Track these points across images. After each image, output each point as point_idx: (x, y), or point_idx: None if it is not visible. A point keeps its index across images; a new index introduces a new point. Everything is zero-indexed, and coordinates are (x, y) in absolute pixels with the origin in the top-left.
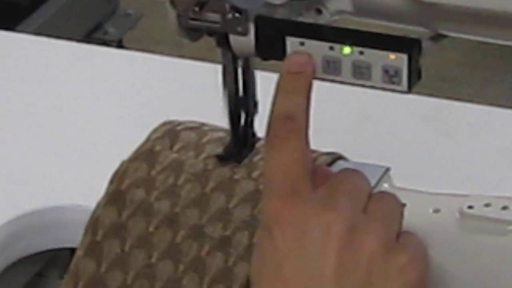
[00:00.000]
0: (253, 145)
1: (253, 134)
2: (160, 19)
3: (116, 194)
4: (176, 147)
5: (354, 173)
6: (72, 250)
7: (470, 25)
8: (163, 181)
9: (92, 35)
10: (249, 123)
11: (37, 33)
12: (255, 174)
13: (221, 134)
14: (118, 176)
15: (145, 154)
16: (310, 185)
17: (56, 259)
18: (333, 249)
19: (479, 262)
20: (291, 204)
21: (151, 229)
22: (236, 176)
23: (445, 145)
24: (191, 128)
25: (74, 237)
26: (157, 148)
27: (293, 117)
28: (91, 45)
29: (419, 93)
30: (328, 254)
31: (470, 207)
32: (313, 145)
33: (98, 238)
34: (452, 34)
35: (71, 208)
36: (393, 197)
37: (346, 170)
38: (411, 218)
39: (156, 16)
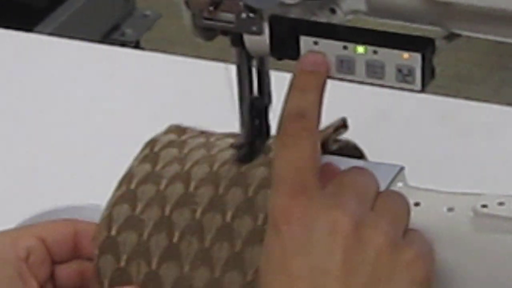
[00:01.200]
0: (267, 144)
1: (268, 133)
2: (177, 20)
3: (127, 193)
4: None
5: (362, 171)
6: None
7: (484, 25)
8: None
9: (109, 36)
10: (264, 122)
11: (55, 34)
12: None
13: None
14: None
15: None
16: (318, 183)
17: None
18: (340, 245)
19: (493, 261)
20: (299, 201)
21: (167, 213)
22: (242, 169)
23: (460, 145)
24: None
25: None
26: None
27: (305, 115)
28: (109, 46)
29: (435, 93)
30: (335, 251)
31: (484, 205)
32: None
33: (113, 233)
34: (466, 33)
35: (88, 208)
36: (400, 195)
37: (354, 168)
38: (425, 217)
39: (173, 17)
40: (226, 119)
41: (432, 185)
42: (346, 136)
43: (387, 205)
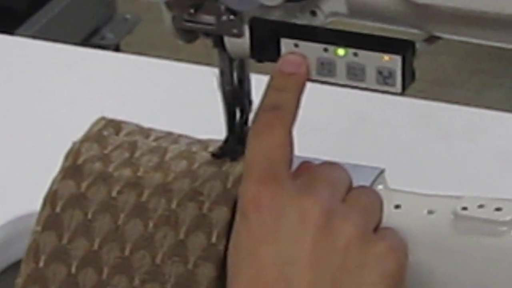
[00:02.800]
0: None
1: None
2: (158, 24)
3: (72, 169)
4: (122, 133)
5: (335, 166)
6: None
7: (464, 27)
8: (118, 156)
9: (89, 39)
10: (244, 121)
11: (35, 37)
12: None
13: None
14: (72, 154)
15: (95, 137)
16: (290, 173)
17: None
18: (309, 234)
19: (473, 263)
20: (269, 188)
21: (114, 194)
22: (193, 149)
23: (440, 148)
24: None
25: None
26: (105, 133)
27: (280, 107)
28: (89, 48)
29: (415, 97)
30: (304, 239)
31: (464, 208)
32: (308, 147)
33: (58, 210)
34: (446, 36)
35: None
36: (373, 191)
37: (326, 162)
38: (406, 220)
39: (154, 21)
40: (207, 121)
41: (412, 188)
42: (328, 137)
43: (359, 199)
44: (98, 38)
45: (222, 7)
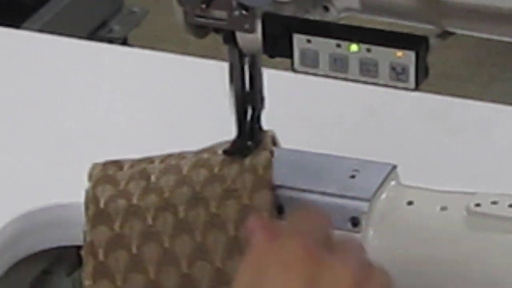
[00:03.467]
0: (259, 140)
1: (260, 129)
2: (165, 17)
3: (98, 215)
4: (125, 168)
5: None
6: (78, 248)
7: (477, 23)
8: (136, 186)
9: (97, 33)
10: (256, 118)
11: (42, 30)
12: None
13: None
14: (91, 201)
15: (103, 179)
16: None
17: (63, 257)
18: None
19: (485, 260)
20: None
21: (149, 222)
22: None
23: (452, 143)
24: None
25: (81, 235)
26: (110, 172)
27: None
28: (96, 42)
29: (424, 90)
30: None
31: (477, 204)
32: (320, 142)
33: (101, 258)
34: (459, 32)
35: (77, 205)
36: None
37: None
38: (418, 216)
39: (161, 13)
40: (215, 115)
41: (425, 184)
42: (340, 133)
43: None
44: (105, 31)
45: (234, 3)
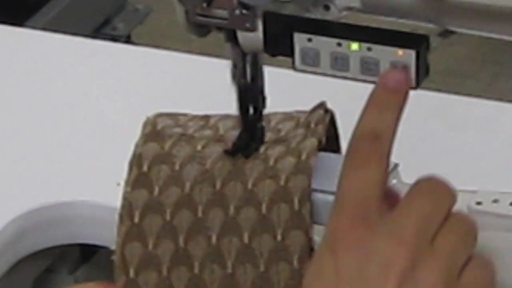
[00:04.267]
0: (261, 139)
1: (262, 128)
2: (169, 15)
3: (153, 134)
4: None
5: (429, 192)
6: (82, 246)
7: (478, 21)
8: (194, 124)
9: (100, 30)
10: (258, 117)
11: (46, 28)
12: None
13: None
14: (150, 123)
15: (166, 116)
16: (381, 209)
17: (65, 255)
18: (393, 283)
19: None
20: (360, 228)
21: (199, 148)
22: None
23: (454, 141)
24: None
25: (83, 233)
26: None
27: (379, 137)
28: (99, 40)
29: (427, 88)
30: (387, 286)
31: (478, 203)
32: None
33: (145, 169)
34: (460, 30)
35: (80, 203)
36: (469, 221)
37: (420, 188)
38: None
39: (165, 11)
40: (219, 113)
41: None
42: (341, 133)
43: (448, 238)
44: (109, 28)
45: (235, 1)
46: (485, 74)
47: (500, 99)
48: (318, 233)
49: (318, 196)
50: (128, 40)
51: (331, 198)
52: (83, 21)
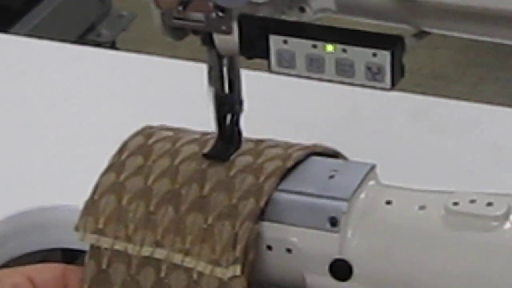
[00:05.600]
0: (239, 143)
1: (239, 133)
2: (153, 21)
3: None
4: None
5: None
6: (63, 251)
7: (452, 22)
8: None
9: (85, 36)
10: (235, 121)
11: (31, 35)
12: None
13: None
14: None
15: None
16: None
17: (47, 260)
18: None
19: (465, 259)
20: None
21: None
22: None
23: (433, 143)
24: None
25: (65, 238)
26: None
27: None
28: (84, 46)
29: (412, 91)
30: None
31: (455, 203)
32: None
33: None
34: (435, 31)
35: (62, 208)
36: None
37: None
38: (397, 215)
39: (149, 17)
40: (202, 119)
41: (404, 183)
42: (319, 134)
43: None
44: (93, 34)
45: (211, 4)
46: (469, 77)
47: (484, 102)
48: (275, 231)
49: (282, 196)
50: (112, 46)
51: (293, 197)
52: (68, 27)
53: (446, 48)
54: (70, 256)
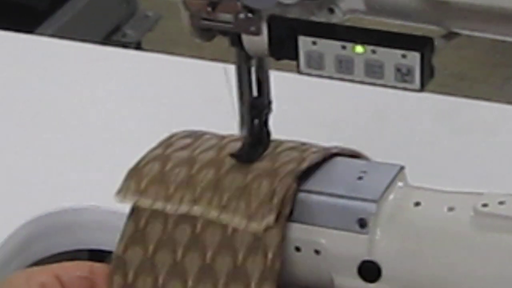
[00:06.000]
0: (267, 144)
1: (268, 133)
2: (179, 21)
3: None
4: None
5: None
6: (90, 252)
7: (483, 23)
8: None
9: (110, 37)
10: (264, 122)
11: (56, 35)
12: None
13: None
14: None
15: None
16: None
17: (75, 260)
18: None
19: (494, 260)
20: None
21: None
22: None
23: (461, 144)
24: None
25: (92, 239)
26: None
27: None
28: (110, 47)
29: (437, 92)
30: None
31: (484, 205)
32: (327, 144)
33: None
34: (465, 32)
35: (89, 209)
36: None
37: None
38: (426, 217)
39: (175, 17)
40: (228, 120)
41: (432, 184)
42: (347, 135)
43: None
44: (119, 35)
45: (240, 5)
46: (496, 78)
47: (509, 102)
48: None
49: (310, 197)
50: (138, 46)
51: (322, 198)
52: (93, 28)
53: (472, 48)
54: (97, 257)
